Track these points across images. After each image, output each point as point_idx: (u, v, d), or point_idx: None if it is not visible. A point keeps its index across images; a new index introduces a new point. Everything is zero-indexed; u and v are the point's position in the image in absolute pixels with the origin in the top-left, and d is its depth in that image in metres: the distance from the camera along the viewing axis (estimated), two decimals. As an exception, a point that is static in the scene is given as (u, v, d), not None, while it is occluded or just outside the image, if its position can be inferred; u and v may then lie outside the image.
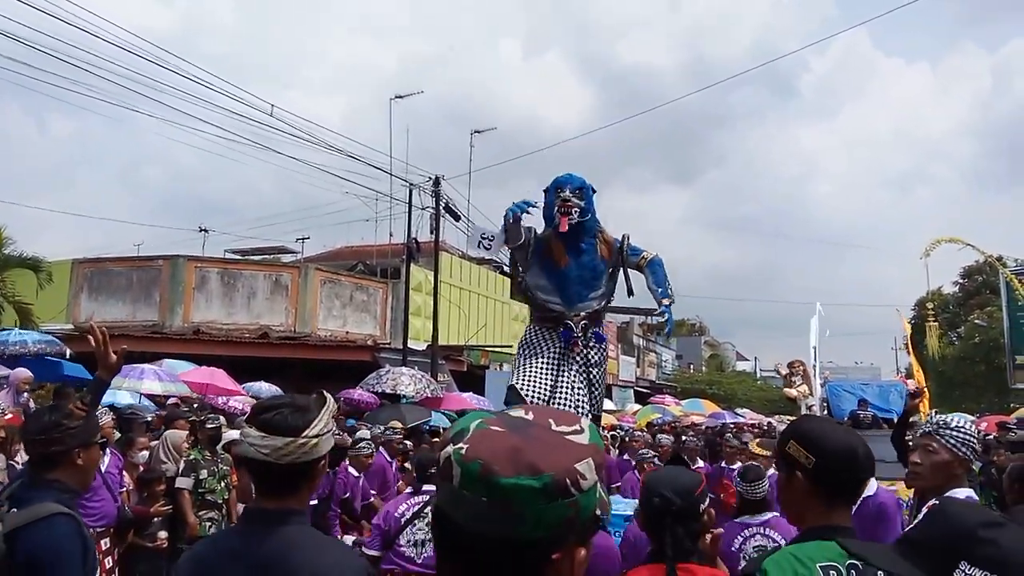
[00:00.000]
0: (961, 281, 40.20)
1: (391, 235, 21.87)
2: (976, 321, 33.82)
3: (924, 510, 1.30)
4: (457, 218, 18.98)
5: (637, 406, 24.09)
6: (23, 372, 7.85)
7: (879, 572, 1.83)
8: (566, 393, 4.93)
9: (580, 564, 0.95)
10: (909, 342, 18.09)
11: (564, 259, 5.02)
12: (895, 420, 14.90)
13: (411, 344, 18.38)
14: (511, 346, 23.29)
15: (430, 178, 18.24)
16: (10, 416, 6.07)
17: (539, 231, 5.13)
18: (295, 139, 18.32)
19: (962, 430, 2.70)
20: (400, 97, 21.58)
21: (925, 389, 15.81)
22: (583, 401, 4.95)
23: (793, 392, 19.45)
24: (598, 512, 0.97)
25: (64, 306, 16.76)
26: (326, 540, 1.91)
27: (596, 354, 5.12)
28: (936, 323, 25.22)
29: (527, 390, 4.87)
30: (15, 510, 2.24)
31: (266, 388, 13.53)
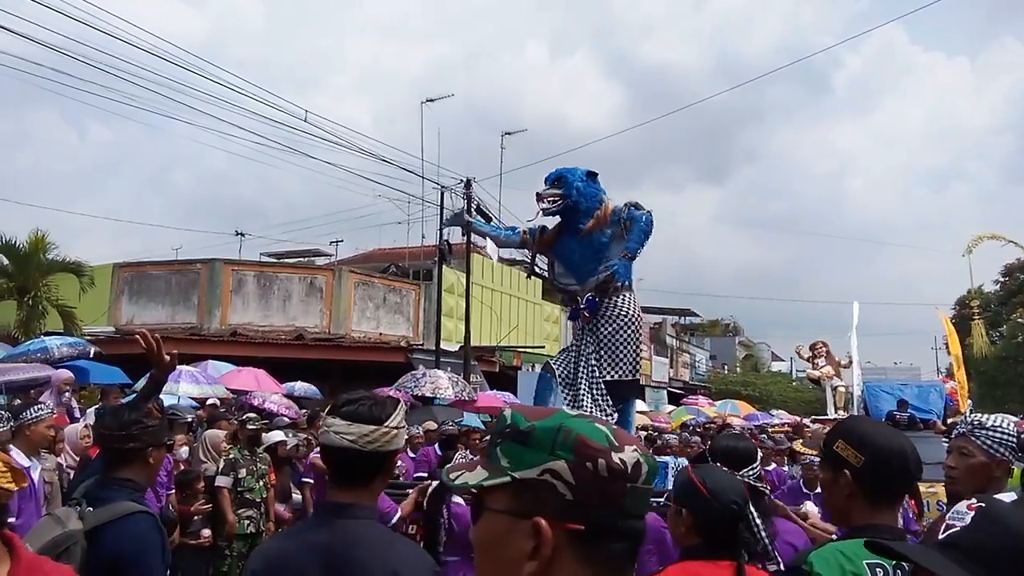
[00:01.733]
0: (1002, 279, 39.29)
1: (423, 237, 22.04)
2: (1019, 320, 33.06)
3: (966, 511, 1.24)
4: (488, 220, 19.00)
5: (671, 407, 23.92)
6: (64, 373, 8.01)
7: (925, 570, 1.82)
8: (584, 374, 5.38)
9: None
10: (951, 340, 17.71)
11: (554, 240, 5.58)
12: (934, 421, 14.65)
13: (444, 345, 18.47)
14: (543, 347, 23.34)
15: (461, 180, 18.33)
16: (56, 416, 6.20)
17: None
18: (327, 143, 18.56)
19: (999, 430, 2.58)
20: (431, 100, 21.71)
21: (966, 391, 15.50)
22: (597, 384, 5.36)
23: (816, 373, 19.11)
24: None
25: (105, 309, 17.12)
26: (395, 536, 1.97)
27: (606, 323, 5.38)
28: (981, 320, 24.67)
29: (557, 367, 5.53)
30: (91, 508, 2.28)
31: (303, 387, 13.70)
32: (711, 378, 42.85)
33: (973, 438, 2.59)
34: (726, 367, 49.04)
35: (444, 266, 19.15)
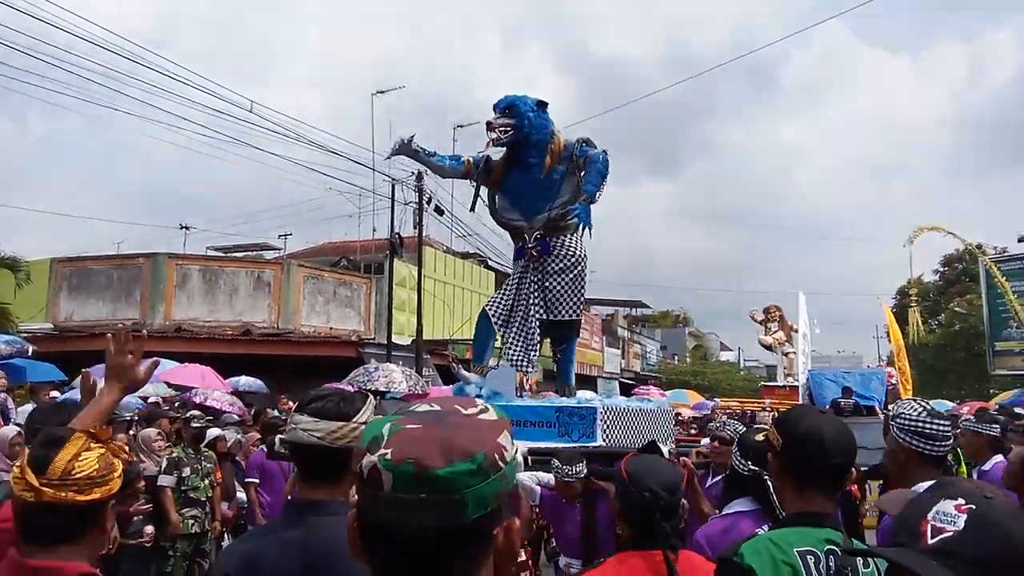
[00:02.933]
0: (941, 269, 40.57)
1: (374, 230, 21.81)
2: (956, 309, 34.17)
3: (955, 512, 1.17)
4: (441, 213, 18.93)
5: (623, 398, 24.13)
6: (-3, 373, 7.74)
7: (858, 559, 1.85)
8: (520, 319, 5.26)
9: (517, 533, 0.98)
10: (892, 329, 18.23)
11: (502, 175, 5.31)
12: (876, 407, 15.06)
13: (395, 339, 18.33)
14: (496, 339, 23.19)
15: (413, 173, 18.17)
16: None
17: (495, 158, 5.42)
18: (276, 135, 18.24)
19: (902, 417, 2.58)
20: (382, 92, 21.52)
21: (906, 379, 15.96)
22: (534, 323, 5.25)
23: (768, 339, 19.34)
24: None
25: (43, 306, 16.57)
26: None
27: (556, 262, 5.23)
28: (918, 309, 25.44)
29: (492, 311, 5.34)
30: None
31: (249, 382, 13.46)
32: (662, 368, 43.44)
33: (890, 427, 2.66)
34: (676, 357, 49.76)
35: (396, 259, 18.99)
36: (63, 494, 1.64)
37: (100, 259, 18.24)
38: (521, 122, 5.09)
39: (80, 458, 1.69)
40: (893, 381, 15.98)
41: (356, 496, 0.95)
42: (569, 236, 5.29)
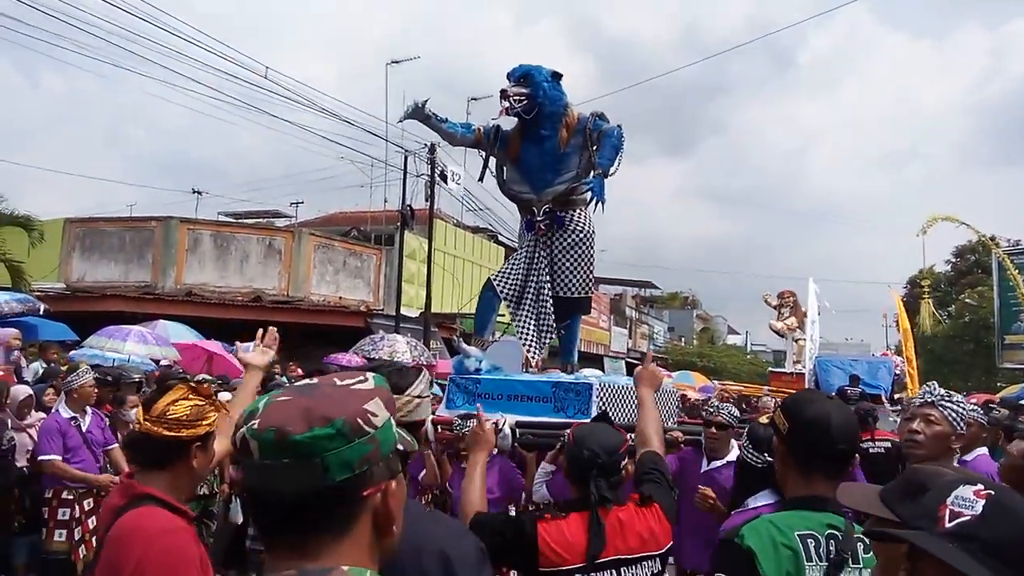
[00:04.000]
0: (953, 260, 40.26)
1: (386, 201, 21.80)
2: (967, 300, 33.97)
3: (973, 498, 1.20)
4: (445, 179, 18.79)
5: (628, 378, 24.18)
6: (10, 330, 7.82)
7: (859, 544, 1.87)
8: (531, 299, 5.17)
9: (394, 495, 1.03)
10: (901, 318, 18.14)
11: (518, 148, 5.19)
12: (883, 396, 15.03)
13: (404, 311, 18.39)
14: (503, 315, 23.26)
15: (426, 145, 18.12)
16: (2, 373, 6.08)
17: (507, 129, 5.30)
18: (289, 102, 18.20)
19: (962, 404, 2.70)
20: (396, 62, 21.35)
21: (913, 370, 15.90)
22: (545, 302, 5.16)
23: (779, 324, 19.22)
24: (400, 447, 1.06)
25: (56, 265, 16.68)
26: (436, 512, 1.90)
27: (566, 236, 5.16)
28: (930, 300, 25.30)
29: (500, 284, 5.20)
30: None
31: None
32: (669, 350, 43.47)
33: (940, 408, 2.70)
34: (683, 339, 49.76)
35: (406, 231, 18.99)
36: (156, 428, 2.06)
37: (113, 221, 18.30)
38: (536, 92, 4.97)
39: (176, 403, 2.09)
40: (899, 371, 15.93)
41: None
42: (579, 211, 5.21)
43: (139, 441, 2.12)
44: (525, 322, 5.24)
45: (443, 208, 23.06)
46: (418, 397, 1.83)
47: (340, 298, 18.80)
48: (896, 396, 14.91)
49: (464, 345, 5.34)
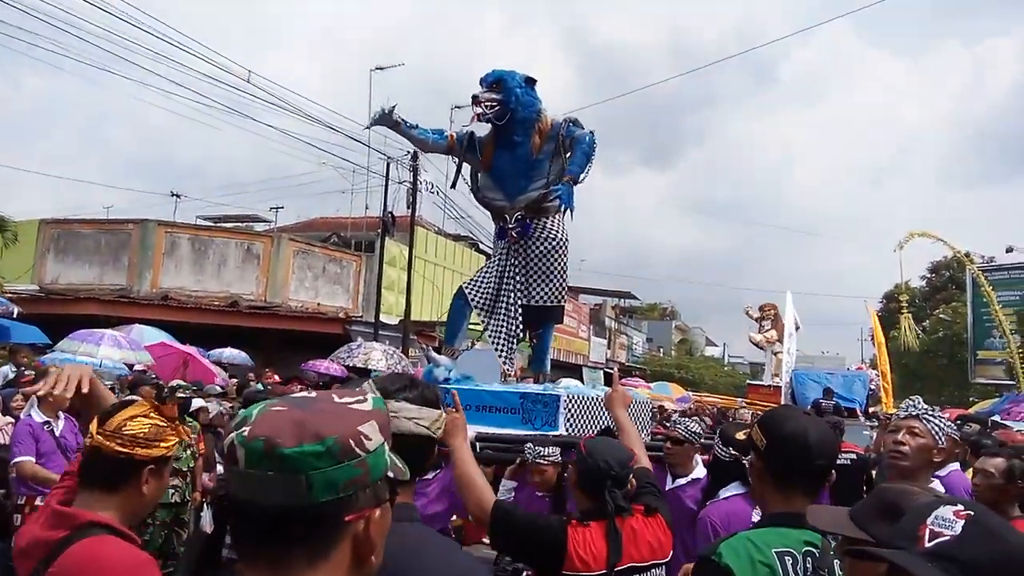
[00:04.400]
0: (928, 276, 40.82)
1: (367, 208, 21.70)
2: (941, 316, 34.40)
3: (953, 518, 1.21)
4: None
5: (607, 388, 24.21)
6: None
7: (835, 562, 1.87)
8: (504, 308, 5.08)
9: (377, 524, 0.99)
10: (876, 333, 18.33)
11: (491, 155, 5.11)
12: (857, 409, 15.13)
13: (383, 318, 18.30)
14: (476, 324, 23.21)
15: (408, 152, 18.08)
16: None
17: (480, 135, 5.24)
18: (272, 106, 18.05)
19: (944, 419, 2.74)
20: (381, 69, 21.30)
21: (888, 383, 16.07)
22: (517, 310, 5.08)
23: (758, 337, 19.27)
24: (391, 474, 1.02)
25: (30, 266, 16.44)
26: (452, 543, 1.76)
27: (538, 244, 5.06)
28: (909, 315, 25.57)
29: (472, 293, 5.16)
30: None
31: (232, 354, 13.41)
32: (647, 360, 43.62)
33: (925, 421, 2.72)
34: (662, 350, 49.95)
35: (387, 238, 18.93)
36: (108, 443, 1.88)
37: (89, 223, 18.08)
38: (508, 98, 4.91)
39: (135, 419, 1.93)
40: (873, 385, 16.09)
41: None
42: (551, 218, 5.12)
43: (88, 457, 1.93)
44: (497, 332, 5.15)
45: (424, 216, 23.02)
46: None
47: (319, 304, 18.68)
48: (871, 410, 15.05)
49: (433, 354, 5.26)
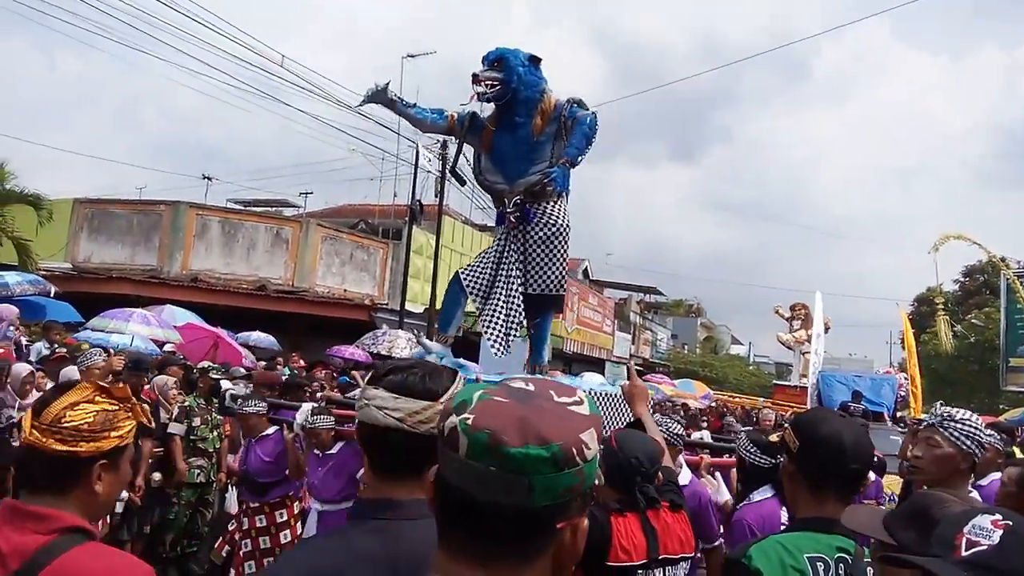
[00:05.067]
0: (962, 280, 40.16)
1: (395, 195, 21.79)
2: (973, 321, 33.85)
3: (991, 528, 1.20)
4: (463, 183, 18.82)
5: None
6: (12, 308, 7.81)
7: (868, 569, 1.83)
8: (502, 292, 4.90)
9: (583, 533, 0.98)
10: (907, 337, 18.05)
11: (492, 136, 4.93)
12: (885, 414, 14.94)
13: (409, 306, 18.37)
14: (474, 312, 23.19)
15: (437, 141, 18.09)
16: (2, 351, 6.06)
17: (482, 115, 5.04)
18: (303, 91, 18.13)
19: (967, 423, 2.60)
20: (412, 56, 21.31)
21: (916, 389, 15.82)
22: (515, 298, 4.90)
23: (787, 336, 19.03)
24: (596, 481, 1.02)
25: (63, 245, 16.71)
26: None
27: (537, 230, 4.88)
28: (945, 316, 25.10)
29: (468, 280, 4.99)
30: None
31: (260, 337, 13.53)
32: (671, 357, 43.40)
33: (942, 429, 2.60)
34: (686, 347, 49.69)
35: (415, 226, 18.98)
36: (44, 440, 1.56)
37: (122, 203, 18.33)
38: (510, 76, 4.71)
39: (76, 407, 1.60)
40: (903, 391, 15.86)
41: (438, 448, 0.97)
42: (552, 203, 4.91)
43: (27, 457, 1.61)
44: (492, 318, 4.96)
45: (452, 205, 23.06)
46: None
47: (345, 291, 18.79)
48: (899, 414, 14.85)
49: (425, 340, 5.13)
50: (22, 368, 6.17)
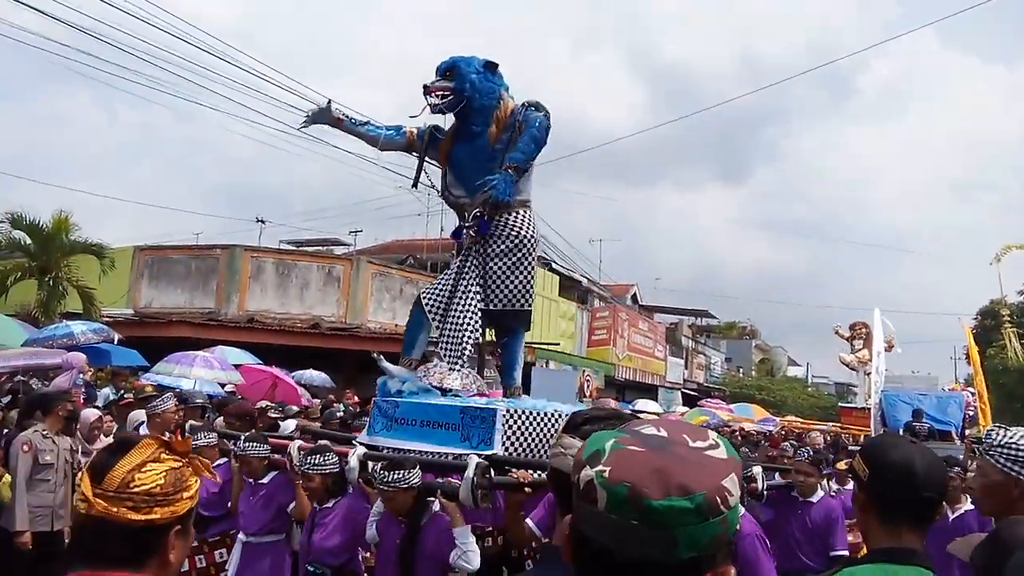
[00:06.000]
0: (1027, 291, 38.69)
1: (442, 230, 21.97)
2: (1041, 333, 32.53)
3: None
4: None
5: (684, 408, 23.81)
6: (80, 355, 8.08)
7: None
8: (456, 312, 4.70)
9: None
10: (972, 352, 17.46)
11: (450, 148, 4.78)
12: (953, 432, 14.44)
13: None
14: (558, 344, 23.28)
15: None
16: (76, 399, 6.26)
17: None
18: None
19: (1013, 446, 2.39)
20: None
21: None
22: (474, 315, 4.68)
23: (849, 357, 18.44)
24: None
25: (125, 291, 17.23)
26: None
27: (498, 243, 4.66)
28: (1013, 330, 24.19)
29: (428, 302, 4.82)
30: None
31: (314, 375, 13.70)
32: (726, 380, 42.63)
33: (988, 457, 2.47)
34: (741, 370, 48.77)
35: (461, 259, 19.10)
36: (115, 509, 1.37)
37: (180, 249, 18.90)
38: (462, 85, 4.53)
39: (144, 469, 1.42)
40: (971, 409, 15.30)
41: (574, 503, 0.95)
42: (514, 214, 4.68)
43: (90, 529, 1.40)
44: (447, 338, 4.73)
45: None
46: None
47: (396, 325, 18.96)
48: (967, 432, 14.32)
49: (387, 364, 4.87)
50: (90, 414, 6.36)
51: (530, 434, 4.18)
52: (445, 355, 4.75)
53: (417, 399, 4.49)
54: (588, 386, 21.88)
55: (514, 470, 3.78)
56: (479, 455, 3.82)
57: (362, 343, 17.41)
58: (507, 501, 3.94)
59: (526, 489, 3.70)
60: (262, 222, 27.86)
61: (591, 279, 30.94)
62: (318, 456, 4.25)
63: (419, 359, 5.00)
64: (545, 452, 4.02)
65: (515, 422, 4.11)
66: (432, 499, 3.95)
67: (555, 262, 25.90)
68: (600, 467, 0.90)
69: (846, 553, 5.17)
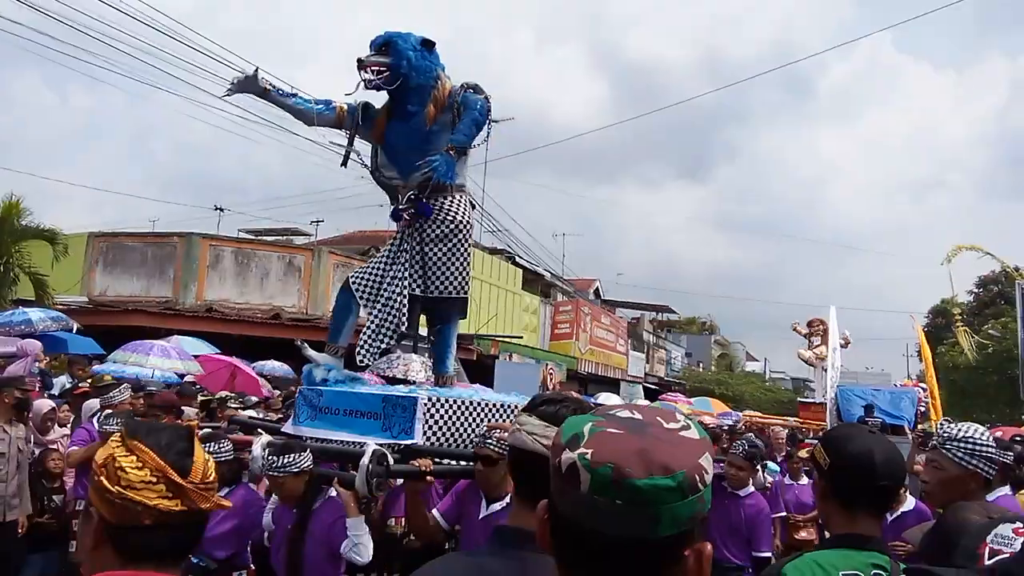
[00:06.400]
0: (976, 291, 39.91)
1: (405, 221, 21.88)
2: (990, 331, 33.54)
3: (1013, 536, 1.22)
4: (472, 207, 18.92)
5: (646, 402, 24.05)
6: (36, 343, 7.89)
7: None
8: (389, 290, 4.59)
9: (708, 558, 0.96)
10: (924, 349, 17.91)
11: (384, 127, 4.65)
12: (906, 427, 14.82)
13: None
14: (521, 336, 23.38)
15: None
16: (33, 390, 6.12)
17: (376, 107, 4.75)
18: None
19: (971, 440, 2.49)
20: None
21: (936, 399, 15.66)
22: (401, 300, 4.58)
23: (807, 353, 18.80)
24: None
25: (79, 279, 16.85)
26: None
27: (435, 227, 4.55)
28: (965, 329, 24.86)
29: (357, 285, 4.68)
30: None
31: (275, 366, 13.58)
32: (686, 375, 43.19)
33: (944, 451, 2.53)
34: (701, 365, 49.44)
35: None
36: (201, 503, 1.34)
37: (136, 236, 18.50)
38: (399, 62, 4.39)
39: (208, 461, 1.40)
40: (923, 405, 15.69)
41: (554, 487, 0.96)
42: (451, 198, 4.59)
43: (168, 527, 1.32)
44: (374, 320, 4.61)
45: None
46: None
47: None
48: (919, 427, 14.70)
49: (311, 352, 4.76)
50: (43, 404, 6.21)
51: (455, 424, 4.08)
52: (363, 339, 4.60)
53: (342, 387, 4.39)
54: (551, 379, 21.98)
55: (416, 459, 3.71)
56: (397, 444, 3.76)
57: (323, 334, 17.19)
58: (407, 490, 3.89)
59: (427, 479, 3.68)
60: (220, 210, 27.48)
61: (554, 273, 31.08)
62: (212, 444, 4.19)
63: (345, 346, 4.81)
64: (471, 442, 3.95)
65: (438, 411, 4.02)
66: (329, 486, 3.92)
67: (519, 256, 25.96)
68: (582, 449, 0.92)
69: (770, 555, 5.19)
